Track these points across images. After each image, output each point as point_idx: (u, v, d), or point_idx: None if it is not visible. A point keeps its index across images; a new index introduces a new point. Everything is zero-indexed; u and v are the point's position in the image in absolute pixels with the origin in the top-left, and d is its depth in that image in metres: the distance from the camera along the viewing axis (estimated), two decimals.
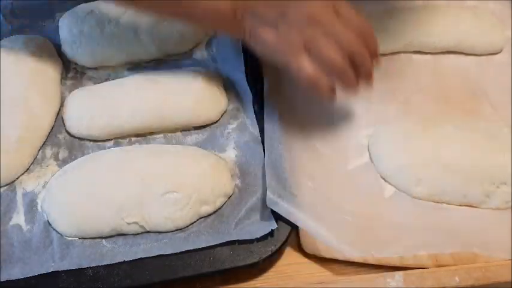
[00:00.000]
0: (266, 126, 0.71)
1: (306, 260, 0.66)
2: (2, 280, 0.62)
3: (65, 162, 0.72)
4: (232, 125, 0.75)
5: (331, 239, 0.62)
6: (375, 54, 0.66)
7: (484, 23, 0.83)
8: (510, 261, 0.63)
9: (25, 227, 0.67)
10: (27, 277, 0.62)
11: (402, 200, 0.70)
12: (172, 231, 0.66)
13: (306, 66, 0.63)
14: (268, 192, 0.64)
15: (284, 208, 0.64)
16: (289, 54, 0.63)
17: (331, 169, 0.71)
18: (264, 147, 0.71)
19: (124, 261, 0.63)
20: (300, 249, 0.67)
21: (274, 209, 0.64)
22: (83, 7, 0.83)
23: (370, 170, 0.72)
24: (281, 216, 0.64)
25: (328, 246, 0.63)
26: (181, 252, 0.63)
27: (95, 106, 0.74)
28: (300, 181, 0.68)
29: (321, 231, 0.63)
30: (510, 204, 0.69)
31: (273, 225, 0.64)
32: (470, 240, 0.65)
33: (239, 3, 0.64)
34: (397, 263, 0.64)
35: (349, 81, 0.65)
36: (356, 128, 0.75)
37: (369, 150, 0.73)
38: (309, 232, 0.63)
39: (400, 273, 0.62)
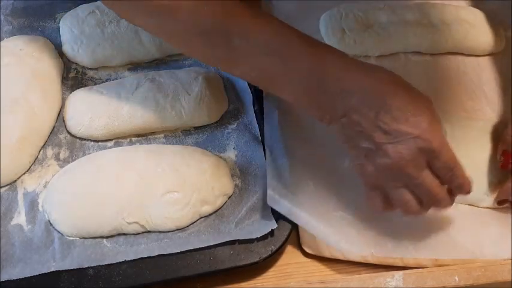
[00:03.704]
0: (266, 126, 0.72)
1: (306, 260, 0.66)
2: (2, 280, 0.62)
3: (66, 162, 0.72)
4: (232, 125, 0.75)
5: (331, 238, 0.62)
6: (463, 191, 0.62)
7: (484, 23, 0.83)
8: (510, 260, 0.63)
9: (26, 226, 0.67)
10: (28, 277, 0.62)
11: None
12: (172, 231, 0.66)
13: (375, 204, 0.61)
14: (268, 191, 0.64)
15: (284, 207, 0.64)
16: (364, 180, 0.61)
17: (331, 168, 0.71)
18: (264, 147, 0.71)
19: (125, 260, 0.63)
20: (300, 248, 0.67)
21: (274, 208, 0.64)
22: (83, 7, 0.83)
23: None
24: (281, 215, 0.64)
25: (328, 245, 0.63)
26: (181, 252, 0.63)
27: (96, 106, 0.74)
28: (300, 180, 0.68)
29: (321, 230, 0.63)
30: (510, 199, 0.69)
31: (273, 224, 0.64)
32: (469, 240, 0.65)
33: (331, 110, 0.59)
34: (397, 263, 0.64)
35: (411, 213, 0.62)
36: None
37: None
38: (310, 231, 0.63)
39: (400, 272, 0.62)
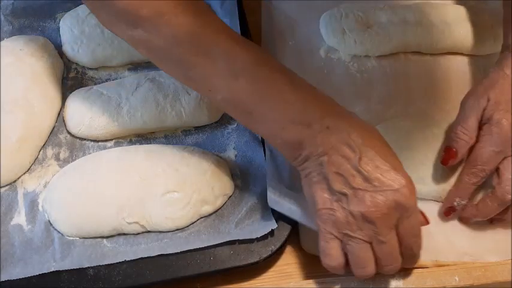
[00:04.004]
0: None
1: (306, 260, 0.66)
2: (3, 280, 0.62)
3: (65, 162, 0.72)
4: (232, 125, 0.75)
5: None
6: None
7: (484, 23, 0.83)
8: (510, 260, 0.63)
9: (26, 226, 0.67)
10: (28, 277, 0.62)
11: None
12: (172, 231, 0.66)
13: (333, 254, 0.58)
14: (268, 192, 0.64)
15: (285, 206, 0.64)
16: (326, 228, 0.57)
17: None
18: (264, 147, 0.71)
19: (125, 260, 0.63)
20: (300, 249, 0.67)
21: (275, 208, 0.64)
22: (83, 7, 0.83)
23: None
24: (281, 216, 0.64)
25: None
26: (181, 252, 0.63)
27: (96, 106, 0.74)
28: (300, 179, 0.68)
29: None
30: (510, 197, 0.69)
31: (273, 224, 0.64)
32: (468, 243, 0.66)
33: (311, 146, 0.57)
34: None
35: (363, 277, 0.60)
36: None
37: None
38: (312, 228, 0.63)
39: (400, 272, 0.62)
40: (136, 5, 0.58)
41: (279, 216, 0.65)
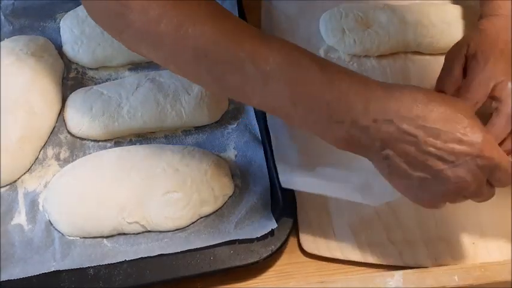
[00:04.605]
0: (268, 116, 0.71)
1: (306, 259, 0.66)
2: (3, 280, 0.62)
3: (66, 162, 0.72)
4: (232, 125, 0.75)
5: (353, 195, 0.61)
6: None
7: None
8: (510, 260, 0.63)
9: (26, 226, 0.67)
10: (29, 276, 0.62)
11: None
12: (172, 231, 0.66)
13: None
14: (279, 171, 0.64)
15: (299, 182, 0.63)
16: (419, 203, 0.58)
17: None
18: (264, 146, 0.71)
19: (125, 260, 0.63)
20: (300, 248, 0.67)
21: (288, 187, 0.64)
22: (83, 7, 0.83)
23: None
24: (281, 215, 0.65)
25: (354, 201, 0.62)
26: (181, 252, 0.63)
27: (96, 106, 0.74)
28: (311, 157, 0.68)
29: (341, 190, 0.62)
30: (510, 198, 0.69)
31: (273, 224, 0.64)
32: (467, 241, 0.66)
33: (365, 141, 0.54)
34: (397, 263, 0.65)
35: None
36: None
37: None
38: (330, 195, 0.63)
39: (400, 272, 0.62)
40: (153, 22, 0.54)
41: (279, 216, 0.65)
